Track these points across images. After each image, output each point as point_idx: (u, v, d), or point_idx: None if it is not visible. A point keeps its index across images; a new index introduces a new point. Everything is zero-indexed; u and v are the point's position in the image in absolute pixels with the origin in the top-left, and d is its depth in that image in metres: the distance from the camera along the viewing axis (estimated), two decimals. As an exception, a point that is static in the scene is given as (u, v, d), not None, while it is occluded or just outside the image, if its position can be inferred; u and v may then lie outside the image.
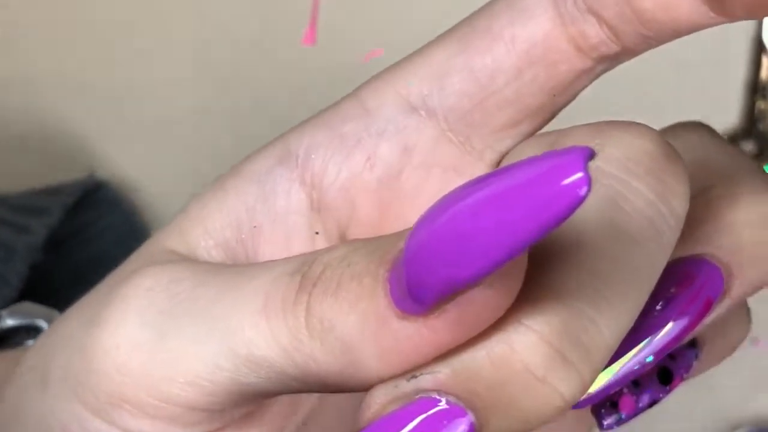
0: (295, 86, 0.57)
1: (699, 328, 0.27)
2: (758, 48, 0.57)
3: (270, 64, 0.57)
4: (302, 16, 0.52)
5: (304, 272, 0.25)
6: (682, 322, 0.27)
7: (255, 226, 0.28)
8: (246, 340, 0.25)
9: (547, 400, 0.23)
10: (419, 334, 0.23)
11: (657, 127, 0.28)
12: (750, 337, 0.31)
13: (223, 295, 0.25)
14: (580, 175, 0.19)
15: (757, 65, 0.57)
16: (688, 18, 0.25)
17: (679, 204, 0.25)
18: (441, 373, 0.23)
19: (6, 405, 0.29)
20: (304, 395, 0.29)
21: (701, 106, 0.56)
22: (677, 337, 0.27)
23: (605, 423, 0.29)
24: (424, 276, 0.22)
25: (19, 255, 0.44)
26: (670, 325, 0.27)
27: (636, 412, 0.29)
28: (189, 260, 0.28)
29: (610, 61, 0.27)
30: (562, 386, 0.23)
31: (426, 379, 0.23)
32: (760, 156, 0.57)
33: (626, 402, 0.28)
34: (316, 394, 0.30)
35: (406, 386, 0.23)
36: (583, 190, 0.19)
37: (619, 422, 0.29)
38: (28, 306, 0.39)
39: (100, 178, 0.52)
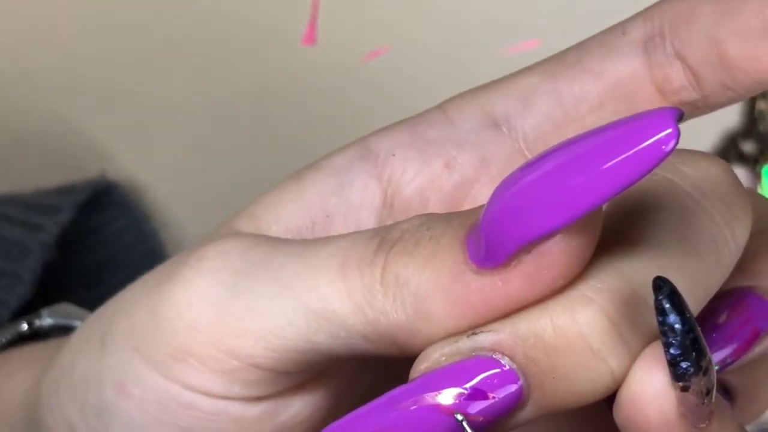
0: (295, 86, 0.57)
1: (744, 358, 0.28)
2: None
3: (269, 64, 0.57)
4: (302, 16, 0.52)
5: (383, 236, 0.26)
6: (729, 348, 0.27)
7: (327, 216, 0.29)
8: (320, 295, 0.26)
9: (597, 374, 0.24)
10: (492, 286, 0.24)
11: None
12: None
13: (296, 256, 0.26)
14: (669, 130, 0.21)
15: (757, 65, 0.57)
16: None
17: (741, 232, 0.26)
18: (501, 332, 0.24)
19: (58, 367, 0.30)
20: (362, 373, 0.30)
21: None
22: (722, 363, 0.27)
23: None
24: (504, 229, 0.23)
25: (34, 253, 0.44)
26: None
27: None
28: (263, 235, 0.29)
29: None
30: (614, 362, 0.24)
31: (485, 337, 0.24)
32: (760, 156, 0.57)
33: None
34: (373, 372, 0.30)
35: (465, 342, 0.24)
36: (672, 144, 0.21)
37: None
38: (67, 307, 0.39)
39: (111, 179, 0.52)
